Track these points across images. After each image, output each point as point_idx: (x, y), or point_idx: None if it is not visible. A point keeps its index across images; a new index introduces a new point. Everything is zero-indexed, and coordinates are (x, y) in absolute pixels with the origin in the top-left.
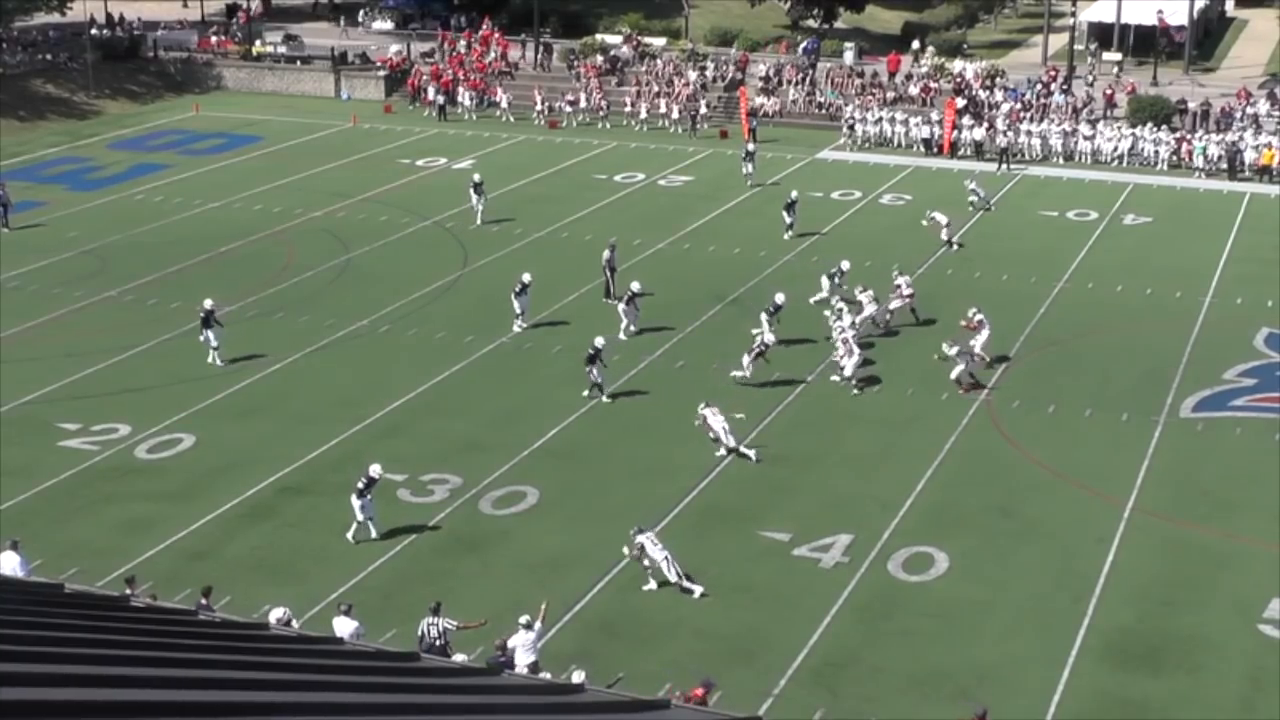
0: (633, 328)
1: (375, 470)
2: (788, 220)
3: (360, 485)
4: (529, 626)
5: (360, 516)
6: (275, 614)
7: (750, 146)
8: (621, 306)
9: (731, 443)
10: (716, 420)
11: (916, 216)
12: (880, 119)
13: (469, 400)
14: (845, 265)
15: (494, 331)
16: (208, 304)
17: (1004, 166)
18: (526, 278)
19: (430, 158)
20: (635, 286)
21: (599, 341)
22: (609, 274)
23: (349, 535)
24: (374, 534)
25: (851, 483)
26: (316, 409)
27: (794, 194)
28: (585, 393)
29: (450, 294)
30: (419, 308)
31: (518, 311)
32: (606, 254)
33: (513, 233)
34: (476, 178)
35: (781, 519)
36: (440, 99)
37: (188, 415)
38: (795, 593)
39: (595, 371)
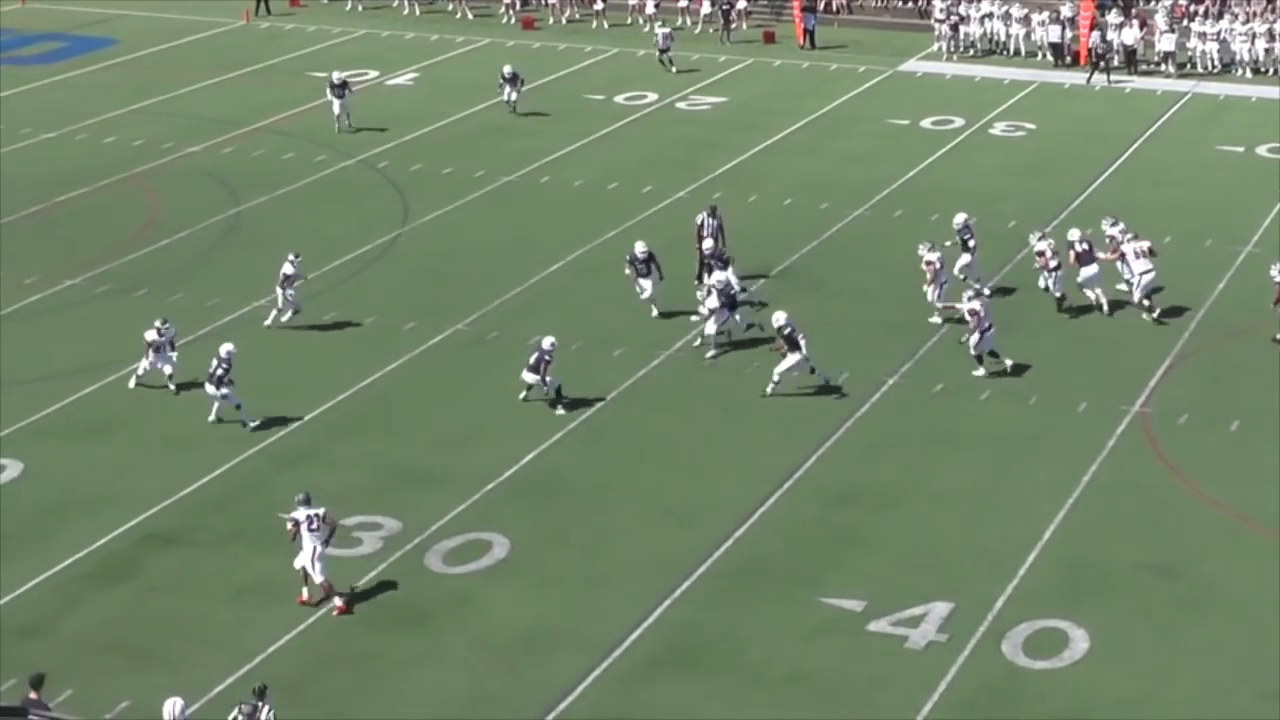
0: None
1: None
2: None
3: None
4: (251, 717)
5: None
6: (174, 708)
7: (507, 69)
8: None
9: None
10: None
11: (1041, 153)
12: (990, 15)
13: (410, 413)
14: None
15: (446, 315)
16: None
17: (1100, 77)
18: (642, 250)
19: (355, 70)
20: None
21: (226, 349)
22: (708, 248)
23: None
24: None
25: (950, 530)
26: (193, 426)
27: None
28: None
29: (384, 263)
30: (339, 282)
31: (644, 294)
32: (704, 219)
33: (471, 176)
34: (336, 77)
35: (853, 580)
36: None
37: (11, 434)
38: (871, 684)
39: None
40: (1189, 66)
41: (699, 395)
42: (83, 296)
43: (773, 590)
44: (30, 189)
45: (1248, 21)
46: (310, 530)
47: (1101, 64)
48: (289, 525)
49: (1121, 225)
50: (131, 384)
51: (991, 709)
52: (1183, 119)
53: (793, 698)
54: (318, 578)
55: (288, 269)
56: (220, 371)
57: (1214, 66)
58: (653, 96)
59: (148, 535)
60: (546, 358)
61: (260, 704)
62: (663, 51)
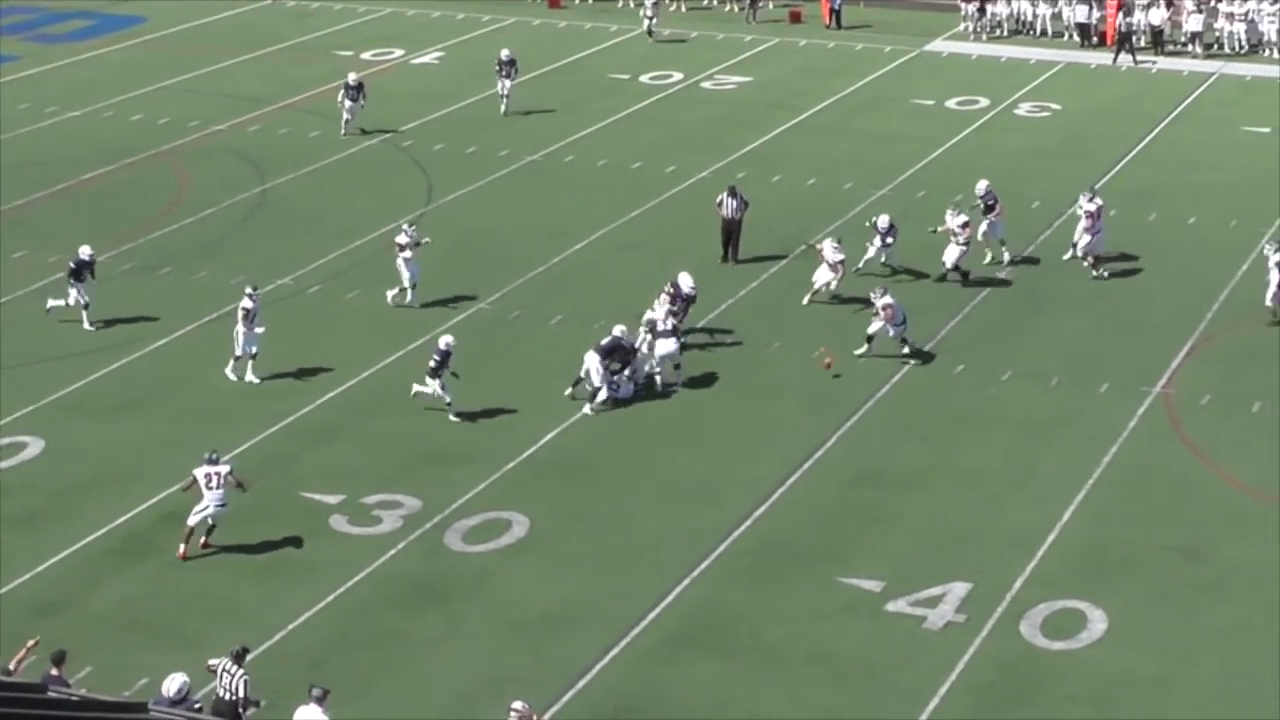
0: (448, 401)
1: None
2: None
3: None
4: (321, 700)
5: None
6: (170, 685)
7: (504, 53)
8: (435, 386)
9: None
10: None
11: (1066, 133)
12: None
13: None
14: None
15: (468, 294)
16: (85, 252)
17: (1126, 57)
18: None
19: (382, 48)
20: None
21: (445, 342)
22: (730, 228)
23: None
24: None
25: (970, 510)
26: (216, 402)
27: None
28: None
29: None
30: (364, 260)
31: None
32: (723, 198)
33: (496, 155)
34: (352, 79)
35: (872, 561)
36: None
37: (34, 411)
38: (890, 664)
39: (436, 386)
40: (1216, 47)
41: (720, 376)
42: (107, 274)
43: (793, 570)
44: (56, 166)
45: (1276, 2)
46: (209, 488)
47: (1127, 44)
48: (189, 480)
49: (1094, 197)
50: (229, 372)
51: (1009, 689)
52: (1209, 100)
53: (812, 677)
54: (191, 520)
55: (402, 239)
56: (438, 364)
57: (1241, 47)
58: (678, 76)
59: (169, 513)
60: (625, 343)
61: (236, 668)
62: (650, 19)
